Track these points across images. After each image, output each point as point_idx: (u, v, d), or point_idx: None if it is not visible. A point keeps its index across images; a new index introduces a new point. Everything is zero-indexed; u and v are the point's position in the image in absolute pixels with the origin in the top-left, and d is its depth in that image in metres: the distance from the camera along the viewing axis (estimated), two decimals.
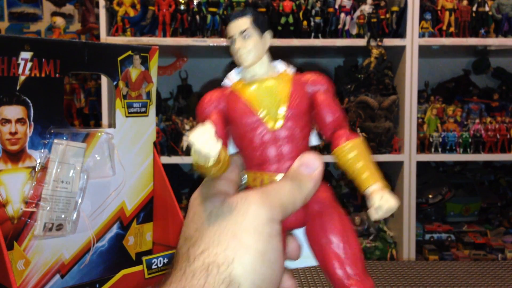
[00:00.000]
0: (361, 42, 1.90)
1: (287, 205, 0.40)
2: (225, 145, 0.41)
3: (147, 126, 0.68)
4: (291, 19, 1.90)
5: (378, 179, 0.42)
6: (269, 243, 0.38)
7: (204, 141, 0.37)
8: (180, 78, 2.34)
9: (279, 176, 0.43)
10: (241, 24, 0.45)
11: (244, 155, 0.45)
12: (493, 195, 2.29)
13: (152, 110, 0.69)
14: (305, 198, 0.41)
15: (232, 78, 0.46)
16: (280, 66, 0.46)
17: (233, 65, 0.47)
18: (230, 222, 0.38)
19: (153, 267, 0.60)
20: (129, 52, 0.65)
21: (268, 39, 0.46)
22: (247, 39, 0.44)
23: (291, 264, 0.45)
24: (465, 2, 1.94)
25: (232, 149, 0.45)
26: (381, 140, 1.94)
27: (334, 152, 0.44)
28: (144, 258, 0.59)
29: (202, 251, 0.37)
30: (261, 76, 0.45)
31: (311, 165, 0.42)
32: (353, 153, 0.42)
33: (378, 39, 1.88)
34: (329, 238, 0.42)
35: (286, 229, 0.43)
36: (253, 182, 0.44)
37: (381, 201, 0.40)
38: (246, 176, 0.45)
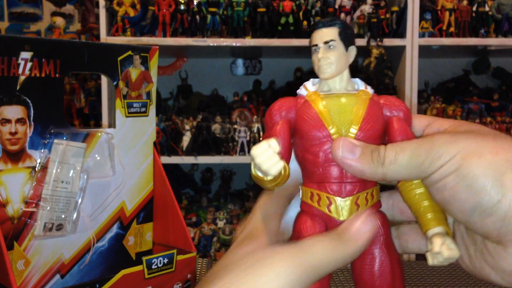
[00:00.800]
0: (361, 42, 1.90)
1: (322, 266, 0.35)
2: (287, 157, 0.40)
3: (147, 126, 0.68)
4: (291, 19, 1.90)
5: (442, 222, 0.40)
6: None
7: (266, 157, 0.36)
8: (180, 78, 2.35)
9: (338, 199, 0.40)
10: (328, 34, 0.43)
11: (305, 168, 0.43)
12: None
13: (152, 110, 0.69)
14: (346, 260, 0.37)
15: (307, 88, 0.44)
16: (360, 83, 0.44)
17: (310, 75, 0.45)
18: (249, 276, 0.33)
19: (153, 267, 0.60)
20: (129, 52, 0.65)
21: (353, 54, 0.44)
22: (331, 50, 0.42)
23: None
24: (465, 2, 1.94)
25: (293, 161, 0.43)
26: None
27: (400, 185, 0.42)
28: (144, 258, 0.59)
29: None
30: (338, 91, 0.43)
31: (363, 225, 0.37)
32: (419, 189, 0.40)
33: (378, 39, 1.88)
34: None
35: None
36: (310, 200, 0.42)
37: (442, 248, 0.38)
38: (302, 190, 0.43)
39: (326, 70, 0.42)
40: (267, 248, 0.36)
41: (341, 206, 0.41)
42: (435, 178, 0.36)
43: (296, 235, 0.42)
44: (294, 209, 0.45)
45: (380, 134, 0.42)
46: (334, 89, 0.43)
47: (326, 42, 0.42)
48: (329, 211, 0.41)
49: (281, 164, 0.36)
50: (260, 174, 0.38)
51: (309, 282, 0.34)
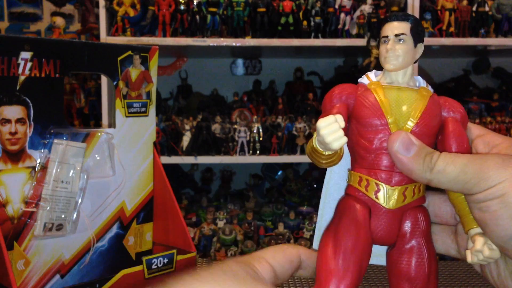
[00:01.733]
0: (361, 42, 1.90)
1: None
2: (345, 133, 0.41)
3: (147, 126, 0.68)
4: (291, 19, 1.90)
5: None
6: None
7: (332, 130, 0.37)
8: (180, 78, 2.35)
9: (387, 187, 0.41)
10: (400, 27, 0.43)
11: (356, 154, 0.43)
12: None
13: (152, 110, 0.69)
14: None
15: (369, 78, 0.45)
16: (421, 81, 0.45)
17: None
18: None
19: (153, 267, 0.60)
20: (129, 52, 0.65)
21: (420, 51, 0.44)
22: (400, 43, 0.43)
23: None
24: (465, 2, 1.94)
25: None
26: None
27: None
28: (144, 258, 0.59)
29: None
30: (400, 84, 0.43)
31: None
32: None
33: (378, 39, 1.88)
34: (410, 281, 0.41)
35: (374, 243, 0.42)
36: (358, 184, 0.42)
37: (484, 247, 0.39)
38: (350, 175, 0.44)
39: (392, 62, 0.43)
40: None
41: (388, 194, 0.41)
42: (479, 198, 0.37)
43: (340, 216, 0.43)
44: (335, 192, 0.46)
45: (435, 131, 0.43)
46: (396, 82, 0.44)
47: (396, 35, 0.43)
48: (376, 197, 0.42)
49: (344, 139, 0.37)
50: (320, 148, 0.39)
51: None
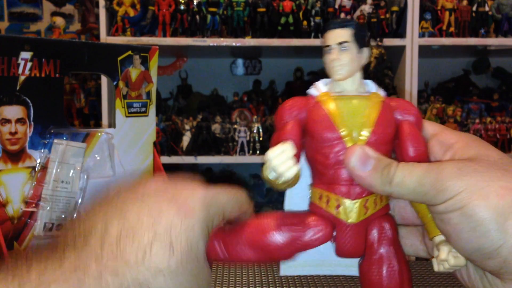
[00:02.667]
0: None
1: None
2: (297, 158, 0.40)
3: (147, 126, 0.68)
4: (291, 19, 1.90)
5: None
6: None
7: (281, 161, 0.36)
8: (180, 78, 2.35)
9: (347, 201, 0.41)
10: (341, 35, 0.42)
11: (315, 169, 0.43)
12: None
13: (152, 110, 0.69)
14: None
15: (318, 89, 0.44)
16: (372, 85, 0.44)
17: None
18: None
19: None
20: (129, 52, 0.65)
21: (366, 56, 0.44)
22: (344, 51, 0.42)
23: (330, 269, 0.44)
24: (465, 2, 1.94)
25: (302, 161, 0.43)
26: None
27: None
28: None
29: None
30: (350, 92, 0.43)
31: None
32: None
33: (378, 39, 1.88)
34: None
35: (343, 256, 0.42)
36: (319, 200, 0.42)
37: (449, 256, 0.38)
38: (311, 191, 0.43)
39: (339, 72, 0.42)
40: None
41: (349, 208, 0.41)
42: (439, 209, 0.36)
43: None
44: (298, 207, 0.45)
45: (391, 138, 0.42)
46: (346, 91, 0.43)
47: (339, 43, 0.42)
48: (337, 212, 0.41)
49: (296, 168, 0.37)
50: (272, 177, 0.38)
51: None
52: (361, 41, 0.43)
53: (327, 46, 0.43)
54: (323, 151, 0.41)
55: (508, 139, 1.94)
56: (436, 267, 0.39)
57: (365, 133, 0.40)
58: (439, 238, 0.40)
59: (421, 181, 0.37)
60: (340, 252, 0.42)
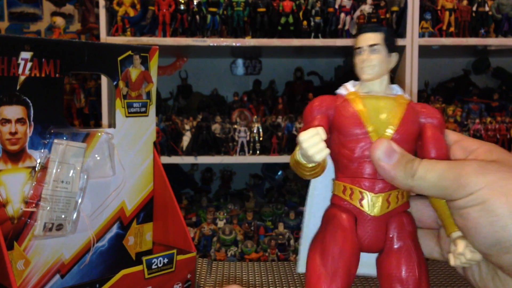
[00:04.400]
0: None
1: None
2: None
3: (147, 126, 0.68)
4: (291, 19, 1.90)
5: None
6: None
7: (313, 143, 0.37)
8: (180, 78, 2.35)
9: (370, 195, 0.42)
10: (373, 38, 0.44)
11: (339, 163, 0.44)
12: None
13: (152, 110, 0.69)
14: None
15: (347, 89, 0.45)
16: (398, 89, 0.46)
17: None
18: None
19: (153, 267, 0.60)
20: (129, 52, 0.65)
21: (395, 60, 0.45)
22: (374, 53, 0.44)
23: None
24: (465, 2, 1.94)
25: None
26: None
27: None
28: (144, 258, 0.59)
29: None
30: (377, 93, 0.44)
31: None
32: None
33: None
34: (402, 282, 0.41)
35: (362, 250, 0.43)
36: (343, 193, 0.43)
37: (466, 250, 0.39)
38: (334, 184, 0.44)
39: (368, 72, 0.44)
40: None
41: (372, 201, 0.42)
42: (459, 205, 0.37)
43: (326, 225, 0.43)
44: (320, 203, 0.46)
45: (414, 137, 0.43)
46: (373, 91, 0.45)
47: (370, 45, 0.44)
48: (361, 205, 0.42)
49: (327, 151, 0.38)
50: (303, 160, 0.39)
51: None
52: (391, 45, 0.45)
53: (358, 48, 0.45)
54: (349, 145, 0.43)
55: (508, 139, 1.94)
56: (452, 261, 0.40)
57: (389, 131, 0.42)
58: (456, 234, 0.41)
59: (443, 176, 0.38)
60: (361, 245, 0.42)
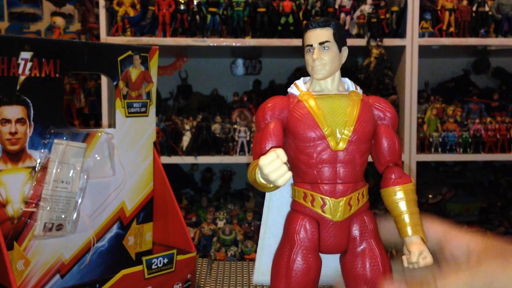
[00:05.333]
0: (361, 42, 1.90)
1: None
2: None
3: (147, 126, 0.68)
4: (291, 19, 1.90)
5: (419, 231, 0.42)
6: None
7: (274, 167, 0.37)
8: (180, 78, 2.34)
9: (332, 200, 0.41)
10: (323, 35, 0.43)
11: (297, 168, 0.43)
12: (493, 195, 2.29)
13: (152, 110, 0.69)
14: None
15: (299, 87, 0.44)
16: (350, 84, 0.45)
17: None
18: None
19: (153, 267, 0.60)
20: (129, 52, 0.65)
21: (345, 55, 0.45)
22: (325, 51, 0.43)
23: None
24: (465, 2, 1.94)
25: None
26: None
27: (382, 191, 0.44)
28: (144, 258, 0.59)
29: None
30: (330, 91, 0.44)
31: None
32: (401, 198, 0.42)
33: (378, 39, 1.88)
34: (367, 283, 0.42)
35: (326, 253, 0.43)
36: (303, 200, 0.43)
37: (419, 258, 0.41)
38: (294, 190, 0.44)
39: (321, 71, 0.43)
40: None
41: (334, 207, 0.42)
42: None
43: (288, 235, 0.43)
44: (279, 208, 0.46)
45: (370, 136, 0.44)
46: (326, 89, 0.44)
47: (321, 43, 0.43)
48: (323, 211, 0.42)
49: (289, 174, 0.37)
50: (264, 182, 0.39)
51: None
52: (341, 40, 0.44)
53: (310, 45, 0.44)
54: (306, 151, 0.42)
55: (508, 139, 1.94)
56: (406, 265, 0.42)
57: (347, 132, 0.42)
58: (410, 239, 0.42)
59: None
60: (324, 249, 0.42)
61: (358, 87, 0.45)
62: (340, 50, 0.44)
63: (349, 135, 0.42)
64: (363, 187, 0.43)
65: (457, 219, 2.19)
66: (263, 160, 0.37)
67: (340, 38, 0.44)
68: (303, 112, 0.42)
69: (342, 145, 0.42)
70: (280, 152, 0.37)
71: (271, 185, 0.39)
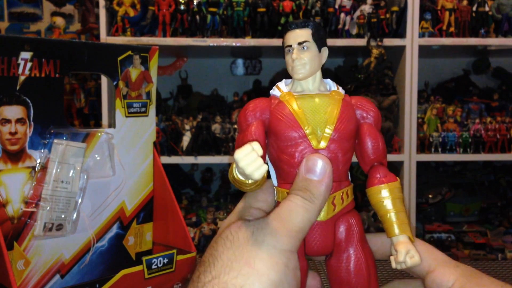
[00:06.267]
0: (361, 42, 1.90)
1: (304, 227, 0.39)
2: (263, 159, 0.40)
3: (147, 126, 0.68)
4: (291, 19, 1.90)
5: (406, 230, 0.41)
6: (284, 274, 0.36)
7: (250, 160, 0.36)
8: (180, 78, 2.34)
9: None
10: (301, 35, 0.43)
11: (279, 169, 0.43)
12: (493, 195, 2.29)
13: (152, 110, 0.69)
14: (321, 207, 0.40)
15: (280, 89, 0.44)
16: (332, 84, 0.45)
17: (282, 75, 0.45)
18: (245, 250, 0.37)
19: (153, 267, 0.60)
20: (129, 52, 0.65)
21: (325, 55, 0.45)
22: (304, 51, 0.43)
23: None
24: (465, 2, 1.94)
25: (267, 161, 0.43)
26: None
27: (368, 191, 0.43)
28: (144, 258, 0.59)
29: (212, 278, 0.36)
30: (311, 91, 0.43)
31: (317, 168, 0.40)
32: (386, 197, 0.42)
33: (378, 39, 1.88)
34: (352, 287, 0.42)
35: (311, 255, 0.42)
36: None
37: (407, 257, 0.40)
38: (277, 191, 0.43)
39: (300, 71, 0.43)
40: (252, 223, 0.39)
41: None
42: None
43: None
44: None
45: (353, 134, 0.43)
46: (307, 90, 0.44)
47: (300, 43, 0.43)
48: None
49: (264, 167, 0.36)
50: (241, 178, 0.38)
51: (296, 249, 0.38)
52: (320, 41, 0.44)
53: (289, 46, 0.44)
54: (287, 151, 0.42)
55: (508, 139, 1.94)
56: (394, 265, 0.41)
57: (328, 131, 0.41)
58: (397, 239, 0.41)
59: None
60: (310, 250, 0.42)
61: (340, 88, 0.45)
62: (319, 50, 0.44)
63: (330, 134, 0.41)
64: (347, 187, 0.43)
65: (457, 219, 2.19)
66: (238, 154, 0.36)
67: (319, 38, 0.44)
68: (284, 112, 0.42)
69: (323, 144, 0.41)
70: (256, 145, 0.36)
71: (249, 181, 0.38)
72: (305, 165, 0.40)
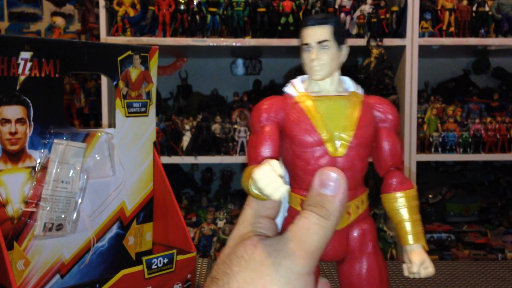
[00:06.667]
0: (361, 42, 1.90)
1: (321, 245, 0.37)
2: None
3: (147, 126, 0.68)
4: (291, 19, 1.90)
5: (421, 239, 0.41)
6: None
7: (269, 181, 0.34)
8: (180, 78, 2.34)
9: None
10: (321, 34, 0.40)
11: (294, 174, 0.41)
12: (493, 195, 2.29)
13: (152, 110, 0.69)
14: (336, 223, 0.38)
15: (296, 87, 0.42)
16: (350, 83, 0.42)
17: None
18: (261, 273, 0.35)
19: (153, 267, 0.60)
20: (129, 52, 0.65)
21: (345, 54, 0.42)
22: (324, 51, 0.40)
23: None
24: (465, 2, 1.94)
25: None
26: None
27: (383, 197, 0.42)
28: (144, 258, 0.59)
29: None
30: (329, 92, 0.41)
31: (331, 182, 0.37)
32: (402, 205, 0.41)
33: (378, 39, 1.88)
34: None
35: (323, 260, 0.41)
36: (300, 207, 0.40)
37: (421, 268, 0.39)
38: (291, 196, 0.41)
39: (319, 72, 0.41)
40: (268, 243, 0.37)
41: None
42: None
43: None
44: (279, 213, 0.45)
45: (371, 140, 0.41)
46: (325, 90, 0.41)
47: (319, 42, 0.40)
48: None
49: (284, 188, 0.34)
50: (257, 193, 0.36)
51: (313, 270, 0.37)
52: (341, 39, 0.41)
53: (306, 44, 0.41)
54: (303, 156, 0.40)
55: (508, 139, 1.94)
56: (406, 274, 0.40)
57: (346, 137, 0.39)
58: (411, 248, 0.40)
59: None
60: (322, 256, 0.41)
61: (359, 87, 0.42)
62: (339, 49, 0.41)
63: (349, 141, 0.39)
64: (363, 193, 0.41)
65: (457, 219, 2.19)
66: (257, 174, 0.34)
67: (340, 36, 0.41)
68: (300, 115, 0.40)
69: (341, 151, 0.39)
70: (275, 164, 0.35)
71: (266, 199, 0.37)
72: (319, 179, 0.38)
